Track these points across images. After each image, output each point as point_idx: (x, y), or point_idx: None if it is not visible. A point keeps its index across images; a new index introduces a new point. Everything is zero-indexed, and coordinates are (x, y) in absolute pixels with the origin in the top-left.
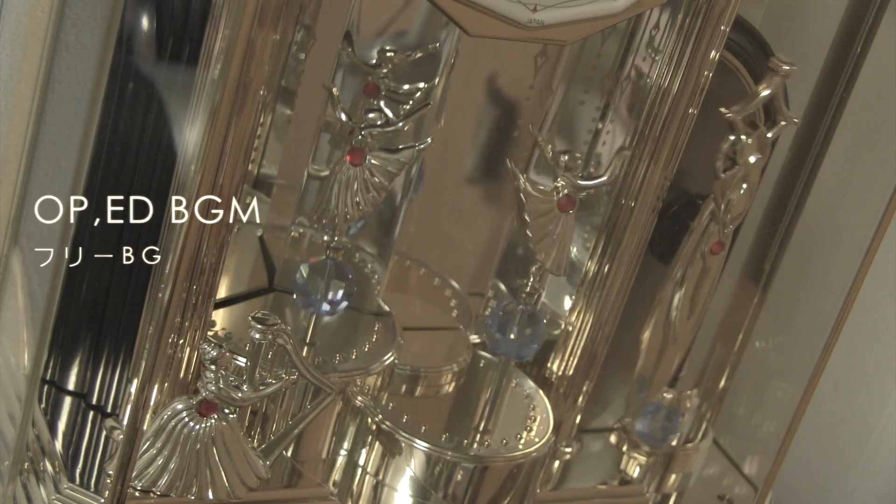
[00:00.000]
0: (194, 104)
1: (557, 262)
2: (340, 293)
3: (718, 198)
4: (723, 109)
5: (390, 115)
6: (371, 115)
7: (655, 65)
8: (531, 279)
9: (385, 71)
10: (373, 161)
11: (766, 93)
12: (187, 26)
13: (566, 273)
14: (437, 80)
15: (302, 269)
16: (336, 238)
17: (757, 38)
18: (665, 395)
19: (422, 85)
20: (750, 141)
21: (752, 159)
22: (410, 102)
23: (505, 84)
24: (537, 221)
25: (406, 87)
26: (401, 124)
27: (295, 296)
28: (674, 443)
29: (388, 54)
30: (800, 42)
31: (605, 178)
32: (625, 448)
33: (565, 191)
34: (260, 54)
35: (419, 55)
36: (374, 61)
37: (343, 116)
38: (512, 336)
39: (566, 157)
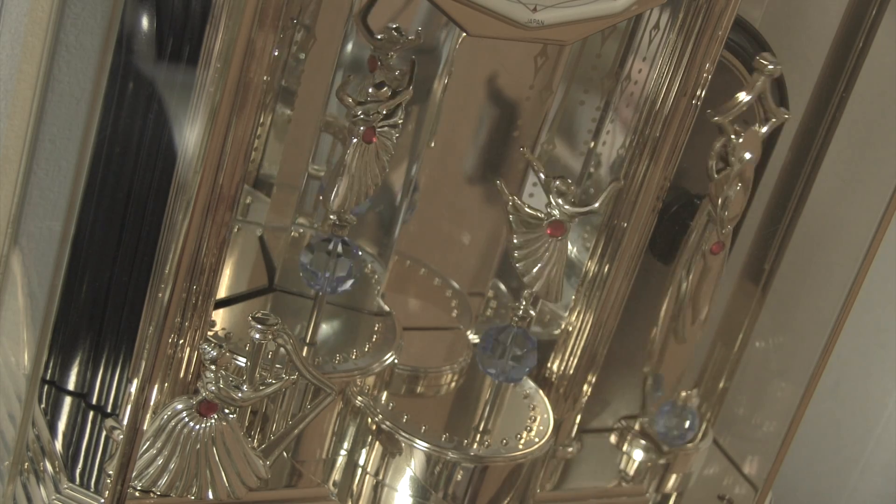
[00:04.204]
0: (194, 104)
1: (546, 288)
2: (348, 270)
3: (714, 198)
4: (709, 112)
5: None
6: (373, 91)
7: (655, 64)
8: (523, 303)
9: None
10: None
11: (747, 98)
12: (187, 26)
13: (558, 300)
14: (436, 79)
15: (308, 248)
16: (344, 216)
17: (757, 38)
18: (681, 393)
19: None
20: (741, 140)
21: (745, 157)
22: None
23: (505, 84)
24: (524, 239)
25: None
26: (409, 90)
27: (301, 274)
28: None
29: (394, 34)
30: (800, 42)
31: (595, 206)
32: (625, 447)
33: (555, 213)
34: (260, 54)
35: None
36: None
37: (349, 100)
38: (502, 359)
39: (558, 183)
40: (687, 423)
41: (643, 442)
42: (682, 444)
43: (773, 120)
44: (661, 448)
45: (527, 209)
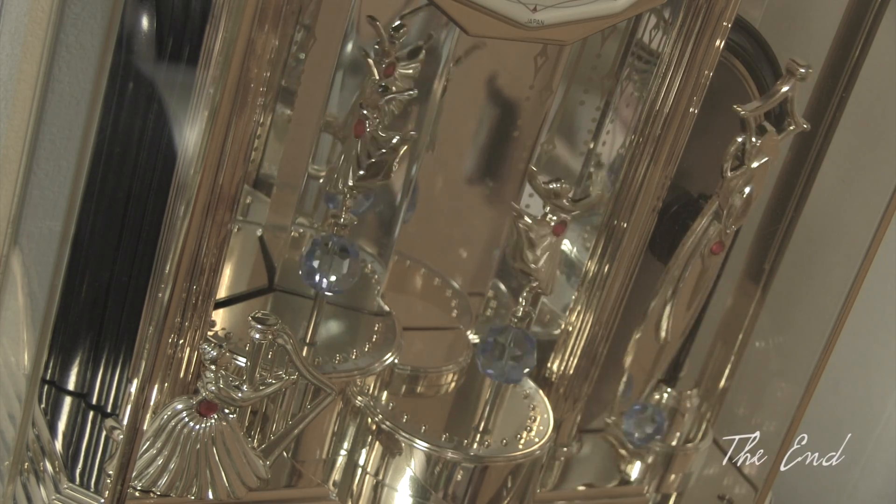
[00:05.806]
0: (194, 104)
1: (550, 283)
2: (345, 270)
3: (723, 198)
4: (737, 107)
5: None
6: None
7: (655, 64)
8: (523, 303)
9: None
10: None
11: (785, 88)
12: (187, 26)
13: (552, 292)
14: (437, 78)
15: (308, 245)
16: (343, 216)
17: (757, 38)
18: (655, 395)
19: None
20: (759, 143)
21: (759, 161)
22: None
23: (505, 84)
24: (536, 252)
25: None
26: (414, 92)
27: (300, 272)
28: (673, 442)
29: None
30: (800, 42)
31: (592, 198)
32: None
33: (556, 217)
34: (260, 54)
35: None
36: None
37: (375, 73)
38: (502, 360)
39: (556, 185)
40: (652, 428)
41: (611, 441)
42: (645, 445)
43: (793, 128)
44: (626, 447)
45: (528, 219)
